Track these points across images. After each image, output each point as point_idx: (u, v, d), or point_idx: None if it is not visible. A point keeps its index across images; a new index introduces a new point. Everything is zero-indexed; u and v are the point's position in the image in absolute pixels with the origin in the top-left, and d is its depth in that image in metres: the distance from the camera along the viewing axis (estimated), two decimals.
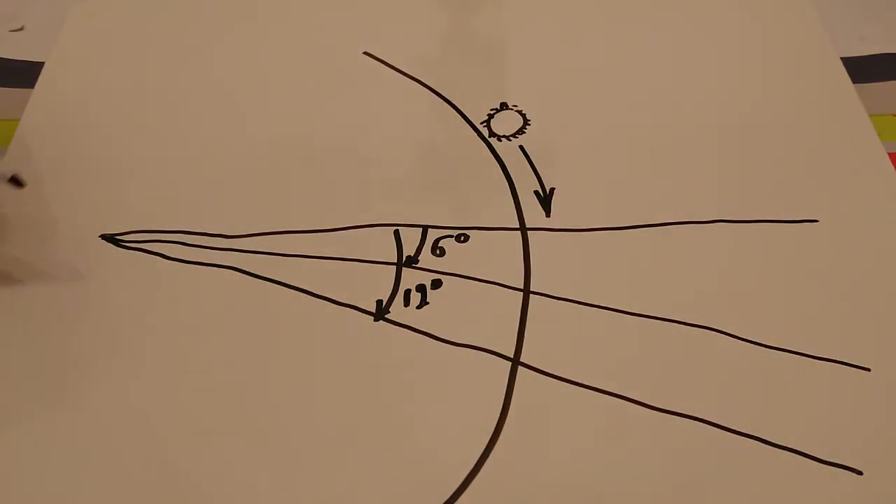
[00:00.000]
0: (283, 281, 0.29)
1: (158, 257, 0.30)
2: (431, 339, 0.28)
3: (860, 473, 0.24)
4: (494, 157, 0.33)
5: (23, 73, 0.36)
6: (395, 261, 0.30)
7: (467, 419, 0.26)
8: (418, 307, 0.28)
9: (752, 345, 0.27)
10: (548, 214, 0.31)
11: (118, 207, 0.31)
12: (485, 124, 0.34)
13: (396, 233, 0.31)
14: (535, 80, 0.36)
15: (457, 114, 0.35)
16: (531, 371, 0.27)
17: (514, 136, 0.34)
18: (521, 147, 0.33)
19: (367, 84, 0.36)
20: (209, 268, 0.30)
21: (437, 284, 0.29)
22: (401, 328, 0.28)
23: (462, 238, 0.30)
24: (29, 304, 0.29)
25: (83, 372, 0.27)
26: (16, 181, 0.28)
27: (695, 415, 0.26)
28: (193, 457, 0.25)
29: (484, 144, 0.33)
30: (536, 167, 0.33)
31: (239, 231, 0.31)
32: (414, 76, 0.36)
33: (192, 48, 0.38)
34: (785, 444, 0.25)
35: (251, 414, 0.26)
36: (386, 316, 0.28)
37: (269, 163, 0.33)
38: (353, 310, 0.28)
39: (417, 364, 0.27)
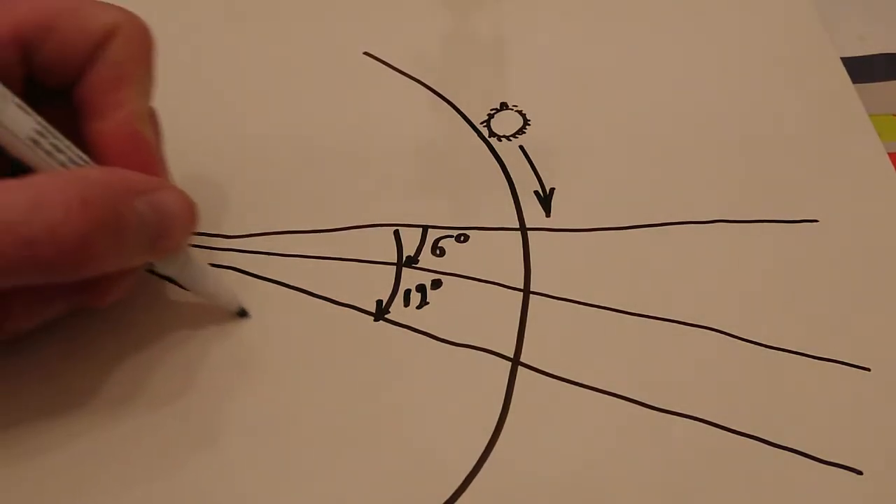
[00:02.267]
0: (283, 281, 0.29)
1: None
2: (431, 339, 0.28)
3: (860, 473, 0.24)
4: (494, 157, 0.33)
5: None
6: (395, 261, 0.30)
7: (467, 419, 0.26)
8: (418, 307, 0.28)
9: (752, 345, 0.27)
10: (548, 214, 0.31)
11: None
12: (485, 124, 0.34)
13: (396, 233, 0.31)
14: (535, 80, 0.36)
15: (457, 114, 0.35)
16: (531, 371, 0.27)
17: (514, 136, 0.34)
18: (521, 147, 0.33)
19: (367, 84, 0.36)
20: (209, 268, 0.30)
21: (437, 284, 0.29)
22: (401, 328, 0.28)
23: (462, 238, 0.30)
24: None
25: (82, 371, 0.27)
26: (243, 314, 0.28)
27: (695, 415, 0.26)
28: (192, 454, 0.25)
29: (484, 144, 0.33)
30: (536, 167, 0.33)
31: (239, 231, 0.31)
32: (414, 76, 0.36)
33: (191, 48, 0.38)
34: (785, 444, 0.25)
35: (250, 413, 0.26)
36: (386, 316, 0.28)
37: (268, 163, 0.33)
38: (353, 310, 0.28)
39: (417, 364, 0.27)
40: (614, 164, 0.32)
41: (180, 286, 0.28)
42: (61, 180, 0.22)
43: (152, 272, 0.28)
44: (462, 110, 0.35)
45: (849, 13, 0.39)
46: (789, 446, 0.25)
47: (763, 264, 0.29)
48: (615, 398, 0.26)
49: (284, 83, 0.36)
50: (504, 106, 0.35)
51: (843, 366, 0.27)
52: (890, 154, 0.32)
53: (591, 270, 0.29)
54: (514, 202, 0.31)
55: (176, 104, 0.35)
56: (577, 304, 0.28)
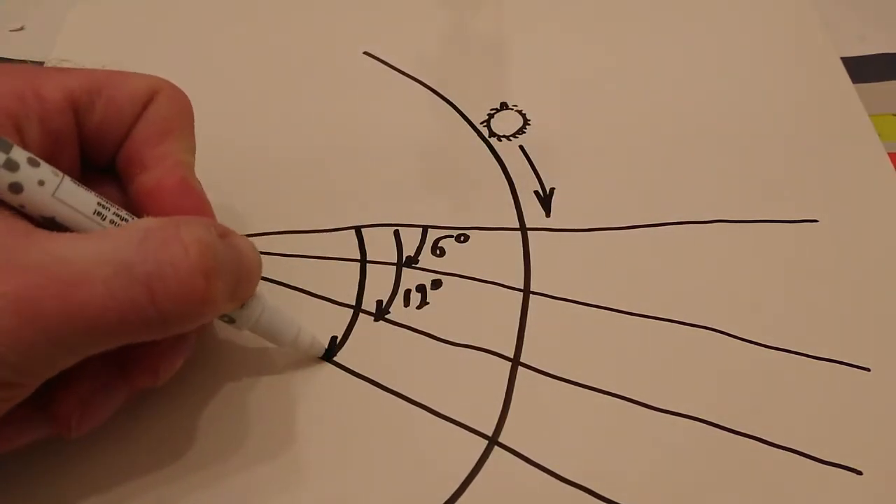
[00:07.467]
0: (283, 281, 0.29)
1: None
2: (431, 339, 0.28)
3: (860, 473, 0.24)
4: (494, 157, 0.33)
5: None
6: (395, 261, 0.30)
7: (467, 419, 0.26)
8: (418, 307, 0.28)
9: (752, 345, 0.27)
10: (548, 214, 0.31)
11: None
12: (485, 124, 0.34)
13: (396, 233, 0.31)
14: (535, 80, 0.36)
15: (457, 114, 0.35)
16: (531, 371, 0.27)
17: (514, 136, 0.34)
18: (521, 147, 0.33)
19: (367, 84, 0.36)
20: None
21: (437, 284, 0.29)
22: (401, 328, 0.28)
23: (462, 238, 0.30)
24: None
25: None
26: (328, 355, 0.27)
27: (695, 415, 0.26)
28: (190, 452, 0.25)
29: (484, 144, 0.33)
30: (536, 167, 0.33)
31: (239, 231, 0.30)
32: (414, 76, 0.36)
33: (191, 49, 0.38)
34: (785, 444, 0.25)
35: (249, 413, 0.26)
36: (386, 316, 0.28)
37: (269, 163, 0.33)
38: (352, 310, 0.28)
39: (417, 364, 0.27)
40: (614, 164, 0.32)
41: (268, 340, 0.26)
42: (160, 223, 0.20)
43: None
44: (462, 110, 0.35)
45: (849, 13, 0.39)
46: (789, 446, 0.25)
47: (763, 264, 0.29)
48: (615, 398, 0.26)
49: (284, 83, 0.36)
50: (504, 106, 0.35)
51: (843, 366, 0.27)
52: (890, 154, 0.32)
53: (591, 270, 0.29)
54: (514, 202, 0.31)
55: None
56: (576, 304, 0.28)
